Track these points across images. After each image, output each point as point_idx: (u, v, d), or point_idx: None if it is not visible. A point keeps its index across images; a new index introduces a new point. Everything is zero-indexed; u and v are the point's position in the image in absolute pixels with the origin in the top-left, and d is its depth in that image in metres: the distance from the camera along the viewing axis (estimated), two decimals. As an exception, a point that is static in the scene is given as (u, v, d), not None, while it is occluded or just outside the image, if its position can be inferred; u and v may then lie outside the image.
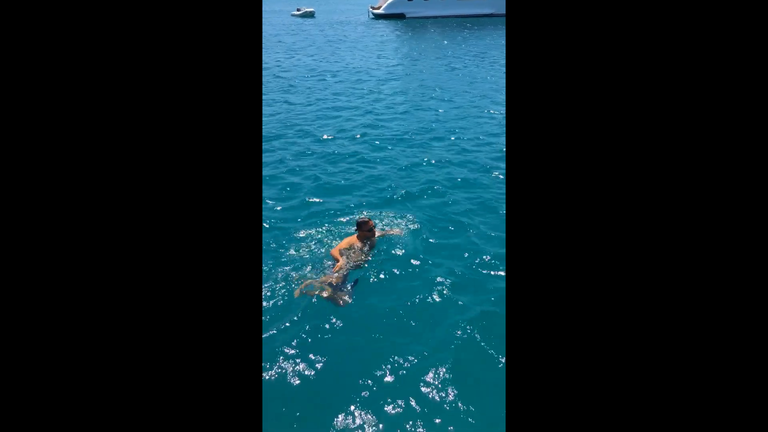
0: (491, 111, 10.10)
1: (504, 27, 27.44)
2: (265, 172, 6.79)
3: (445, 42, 22.30)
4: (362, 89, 12.62)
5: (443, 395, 3.12)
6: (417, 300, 3.94)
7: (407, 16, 35.82)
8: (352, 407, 3.03)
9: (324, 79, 13.90)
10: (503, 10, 35.53)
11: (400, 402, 3.07)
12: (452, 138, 8.30)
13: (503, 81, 12.95)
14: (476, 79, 13.67)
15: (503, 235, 4.87)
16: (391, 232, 4.84)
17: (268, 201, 5.82)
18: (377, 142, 8.12)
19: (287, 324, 3.62)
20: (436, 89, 12.39)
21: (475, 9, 35.66)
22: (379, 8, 37.18)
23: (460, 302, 3.91)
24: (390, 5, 36.37)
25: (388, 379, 3.23)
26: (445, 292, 4.01)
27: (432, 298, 3.96)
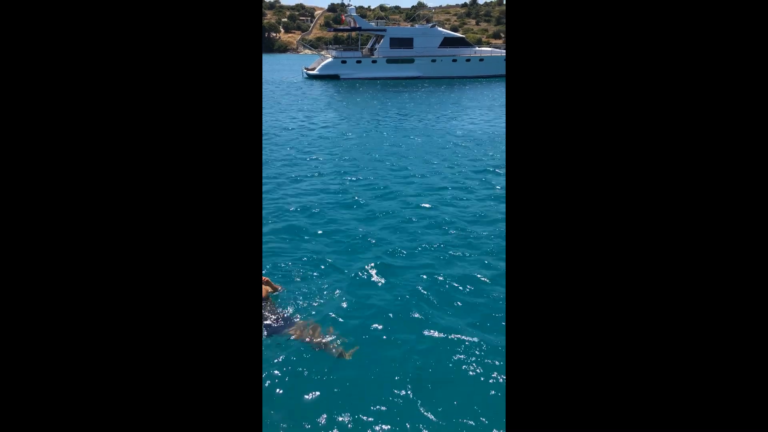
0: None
1: (426, 86, 29.86)
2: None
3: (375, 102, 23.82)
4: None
5: (441, 400, 3.27)
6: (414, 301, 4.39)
7: (341, 77, 37.85)
8: (351, 409, 3.15)
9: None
10: (429, 74, 38.63)
11: (398, 405, 3.21)
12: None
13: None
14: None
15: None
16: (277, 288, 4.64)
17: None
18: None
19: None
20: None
21: (404, 72, 38.51)
22: (313, 69, 38.97)
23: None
24: (324, 67, 38.32)
25: (388, 381, 3.44)
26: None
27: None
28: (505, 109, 20.39)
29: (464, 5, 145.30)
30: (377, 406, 3.21)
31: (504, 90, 28.96)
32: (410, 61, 38.77)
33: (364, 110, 20.29)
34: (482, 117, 18.21)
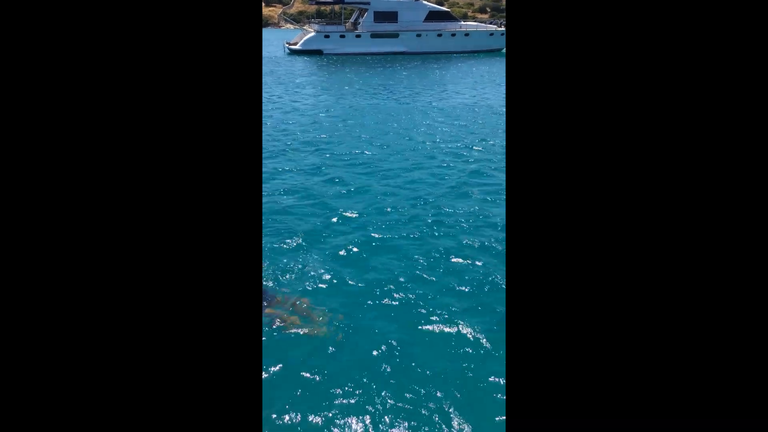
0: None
1: (411, 61, 29.40)
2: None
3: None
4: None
5: (442, 397, 3.10)
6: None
7: (325, 52, 36.99)
8: (352, 409, 3.00)
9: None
10: (414, 49, 38.00)
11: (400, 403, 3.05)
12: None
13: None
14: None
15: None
16: None
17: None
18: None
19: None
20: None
21: (389, 47, 37.80)
22: (295, 44, 38.00)
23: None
24: (307, 41, 37.38)
25: (389, 378, 3.27)
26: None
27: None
28: (491, 84, 20.21)
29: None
30: (366, 395, 3.09)
31: (491, 66, 28.70)
32: (395, 35, 38.03)
33: (347, 86, 19.89)
34: (469, 92, 17.99)
